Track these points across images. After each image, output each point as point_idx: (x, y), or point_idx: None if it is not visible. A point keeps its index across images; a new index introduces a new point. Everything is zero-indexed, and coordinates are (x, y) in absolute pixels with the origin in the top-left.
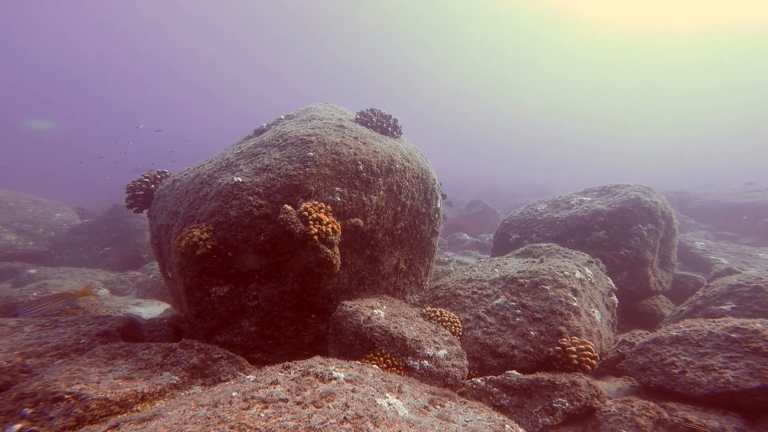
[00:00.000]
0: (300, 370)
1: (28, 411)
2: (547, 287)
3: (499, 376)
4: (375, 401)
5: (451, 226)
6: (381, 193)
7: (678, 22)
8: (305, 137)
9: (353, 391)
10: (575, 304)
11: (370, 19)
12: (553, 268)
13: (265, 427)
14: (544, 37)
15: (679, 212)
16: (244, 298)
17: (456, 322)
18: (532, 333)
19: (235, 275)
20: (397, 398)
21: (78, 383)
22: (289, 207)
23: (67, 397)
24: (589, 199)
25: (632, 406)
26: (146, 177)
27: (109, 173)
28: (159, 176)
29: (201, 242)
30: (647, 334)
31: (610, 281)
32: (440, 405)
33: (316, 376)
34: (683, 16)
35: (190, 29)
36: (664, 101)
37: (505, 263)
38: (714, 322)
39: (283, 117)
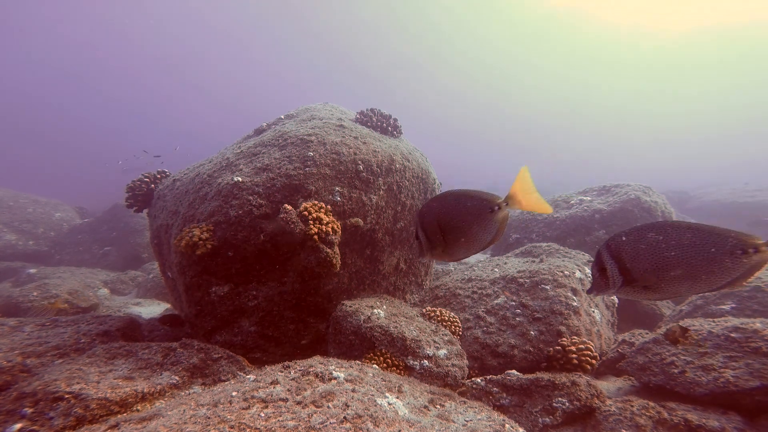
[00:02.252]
0: (300, 370)
1: (29, 411)
2: (547, 287)
3: (499, 376)
4: (375, 401)
5: None
6: (381, 192)
7: (680, 22)
8: (305, 137)
9: (353, 390)
10: (575, 303)
11: (371, 18)
12: (553, 267)
13: (265, 427)
14: (546, 37)
15: (679, 212)
16: (244, 297)
17: (456, 321)
18: (532, 332)
19: (235, 275)
20: (397, 398)
21: (78, 383)
22: (289, 207)
23: (67, 396)
24: (589, 198)
25: (632, 406)
26: (146, 177)
27: (110, 174)
28: (159, 176)
29: (201, 242)
30: (647, 333)
31: None
32: (440, 404)
33: (316, 375)
34: (685, 15)
35: (190, 28)
36: (664, 101)
37: (505, 263)
38: (714, 321)
39: (283, 117)
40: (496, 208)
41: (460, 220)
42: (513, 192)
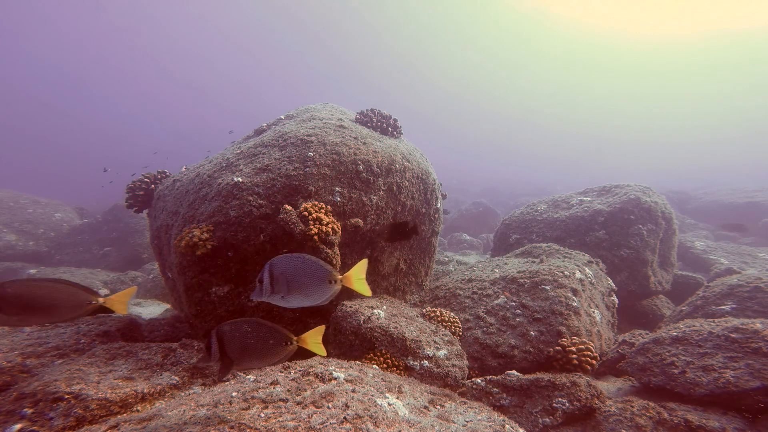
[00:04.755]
0: (300, 370)
1: (29, 411)
2: (547, 287)
3: (499, 377)
4: (375, 401)
5: (451, 226)
6: (381, 193)
7: (679, 26)
8: (305, 137)
9: (353, 391)
10: (575, 304)
11: (371, 19)
12: (553, 268)
13: (265, 427)
14: (546, 39)
15: (679, 212)
16: (243, 298)
17: (456, 322)
18: (532, 333)
19: (235, 275)
20: (397, 398)
21: (78, 383)
22: (289, 207)
23: (67, 397)
24: (589, 199)
25: (632, 406)
26: (146, 177)
27: (111, 175)
28: (159, 176)
29: (201, 242)
30: (647, 334)
31: (610, 281)
32: (440, 405)
33: (316, 376)
34: (685, 20)
35: (190, 29)
36: (664, 104)
37: (505, 263)
38: (714, 322)
39: (283, 117)
40: (334, 281)
41: (305, 279)
42: (350, 275)
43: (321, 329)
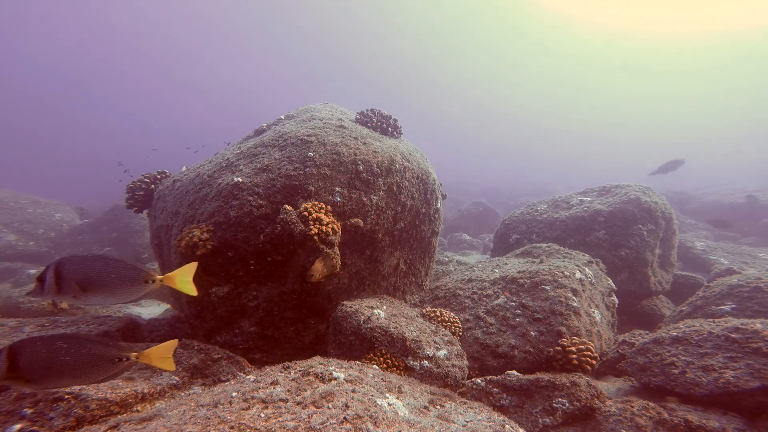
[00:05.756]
0: (300, 371)
1: (28, 411)
2: (547, 287)
3: (499, 377)
4: (375, 401)
5: (451, 226)
6: (381, 193)
7: (679, 26)
8: (305, 137)
9: (353, 391)
10: (575, 304)
11: (371, 19)
12: (553, 268)
13: (265, 428)
14: (546, 39)
15: (679, 212)
16: (244, 298)
17: (456, 322)
18: (532, 333)
19: (234, 275)
20: (397, 398)
21: None
22: (289, 207)
23: (67, 397)
24: (589, 199)
25: (632, 406)
26: (146, 177)
27: (110, 174)
28: (159, 176)
29: (201, 242)
30: (647, 334)
31: (610, 281)
32: (440, 405)
33: (316, 376)
34: (685, 20)
35: (190, 29)
36: (664, 103)
37: (505, 263)
38: (714, 322)
39: (283, 117)
40: (151, 281)
41: (108, 279)
42: (173, 275)
43: (172, 343)
